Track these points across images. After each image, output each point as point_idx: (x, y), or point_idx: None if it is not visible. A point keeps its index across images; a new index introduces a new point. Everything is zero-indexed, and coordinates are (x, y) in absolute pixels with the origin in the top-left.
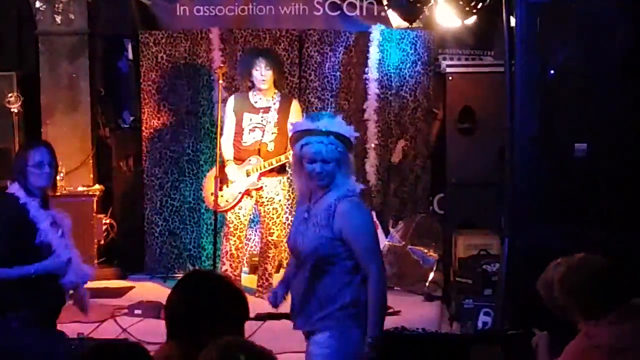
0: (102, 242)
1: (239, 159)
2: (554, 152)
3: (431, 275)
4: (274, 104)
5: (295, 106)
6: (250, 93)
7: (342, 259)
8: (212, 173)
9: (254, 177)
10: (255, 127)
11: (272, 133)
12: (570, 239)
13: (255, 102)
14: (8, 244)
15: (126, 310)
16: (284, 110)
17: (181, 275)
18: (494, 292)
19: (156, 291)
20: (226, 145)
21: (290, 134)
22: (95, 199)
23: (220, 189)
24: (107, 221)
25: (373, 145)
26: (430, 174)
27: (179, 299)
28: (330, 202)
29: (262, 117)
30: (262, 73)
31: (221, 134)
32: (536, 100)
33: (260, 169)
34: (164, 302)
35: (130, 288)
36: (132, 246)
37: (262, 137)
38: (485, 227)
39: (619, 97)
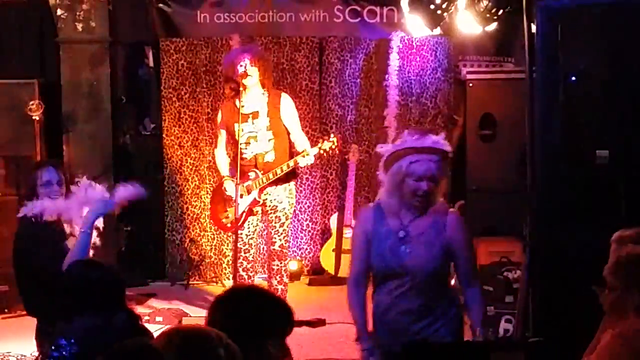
0: (123, 249)
1: (242, 174)
2: (575, 159)
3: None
4: (262, 107)
5: (285, 100)
6: (237, 100)
7: (446, 272)
8: (219, 191)
9: (254, 193)
10: (249, 136)
11: (269, 140)
12: (592, 247)
13: (243, 107)
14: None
15: (147, 318)
16: (274, 110)
17: (202, 282)
18: (516, 299)
19: (177, 298)
20: (220, 160)
21: (390, 150)
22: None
23: (225, 210)
24: (128, 228)
25: None
26: (451, 180)
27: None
28: (437, 218)
29: (253, 124)
30: (246, 69)
31: (233, 146)
32: (557, 106)
33: (260, 184)
34: (185, 310)
35: (152, 295)
36: (153, 253)
37: (257, 147)
38: (506, 233)
39: None
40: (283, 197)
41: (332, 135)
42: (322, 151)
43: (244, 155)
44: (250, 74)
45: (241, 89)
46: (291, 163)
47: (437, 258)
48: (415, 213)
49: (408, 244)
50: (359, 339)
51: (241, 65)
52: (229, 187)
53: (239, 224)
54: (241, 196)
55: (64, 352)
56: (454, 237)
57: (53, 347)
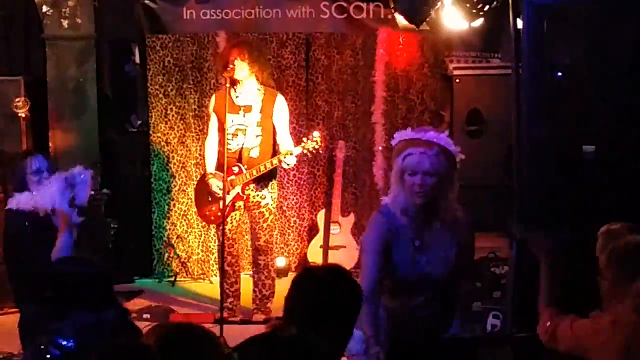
0: (110, 246)
1: (224, 166)
2: (562, 154)
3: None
4: (256, 102)
5: (279, 102)
6: (232, 90)
7: (462, 274)
8: (203, 185)
9: (237, 188)
10: (238, 129)
11: (257, 136)
12: (578, 242)
13: (237, 97)
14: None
15: (135, 315)
16: (267, 108)
17: (189, 279)
18: (503, 295)
19: (164, 295)
20: (209, 154)
21: (393, 145)
22: (103, 203)
23: (209, 203)
24: (115, 225)
25: (380, 148)
26: None
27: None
28: (450, 221)
29: (244, 117)
30: (235, 64)
31: (224, 140)
32: (544, 102)
33: (244, 180)
34: (172, 307)
35: (139, 292)
36: (139, 250)
37: (244, 141)
38: (493, 229)
39: (628, 99)
40: (265, 192)
41: (316, 134)
42: (305, 150)
43: (228, 147)
44: (240, 68)
45: (228, 84)
46: (275, 161)
47: (455, 264)
48: (428, 218)
49: (426, 253)
50: (368, 348)
51: (231, 61)
52: (214, 184)
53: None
54: (228, 192)
55: (62, 349)
56: (463, 236)
57: (52, 345)
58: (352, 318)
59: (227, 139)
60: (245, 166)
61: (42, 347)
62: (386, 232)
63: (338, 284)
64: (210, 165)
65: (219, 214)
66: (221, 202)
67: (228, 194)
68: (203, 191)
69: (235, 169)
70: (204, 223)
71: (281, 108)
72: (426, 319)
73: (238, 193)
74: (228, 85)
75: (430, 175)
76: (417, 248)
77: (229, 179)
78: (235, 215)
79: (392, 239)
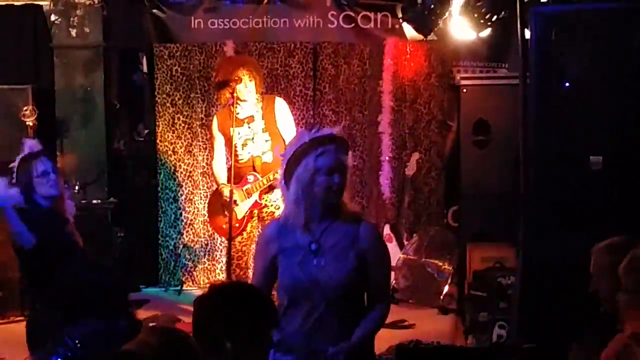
0: (117, 255)
1: (239, 178)
2: (569, 164)
3: (446, 288)
4: (257, 111)
5: (279, 104)
6: (231, 107)
7: (363, 288)
8: (217, 197)
9: (255, 196)
10: (246, 139)
11: (266, 141)
12: (586, 252)
13: (238, 114)
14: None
15: None
16: (268, 113)
17: (195, 288)
18: (509, 305)
19: (171, 304)
20: (218, 169)
21: (290, 152)
22: (110, 211)
23: (226, 216)
24: (122, 234)
25: (387, 157)
26: (445, 186)
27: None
28: (350, 226)
29: (249, 127)
30: (246, 85)
31: (232, 154)
32: (551, 112)
33: (260, 187)
34: (178, 315)
35: (145, 301)
36: (146, 259)
37: (254, 148)
38: (499, 239)
39: (636, 109)
40: (280, 202)
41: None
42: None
43: (239, 158)
44: (249, 88)
45: (236, 94)
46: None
47: (352, 270)
48: (327, 221)
49: (321, 257)
50: None
51: (238, 79)
52: (227, 190)
53: (240, 229)
54: (235, 202)
55: (69, 352)
56: (369, 249)
57: (60, 344)
58: (266, 329)
59: (237, 151)
60: (260, 174)
61: (48, 352)
62: (276, 243)
63: (245, 300)
64: (222, 178)
65: (236, 224)
66: (236, 213)
67: (236, 204)
68: (217, 204)
69: (251, 178)
70: (210, 232)
71: (282, 112)
72: (323, 339)
73: (256, 200)
74: (235, 105)
75: (344, 175)
76: (313, 252)
77: (244, 188)
78: (247, 226)
79: (283, 246)
